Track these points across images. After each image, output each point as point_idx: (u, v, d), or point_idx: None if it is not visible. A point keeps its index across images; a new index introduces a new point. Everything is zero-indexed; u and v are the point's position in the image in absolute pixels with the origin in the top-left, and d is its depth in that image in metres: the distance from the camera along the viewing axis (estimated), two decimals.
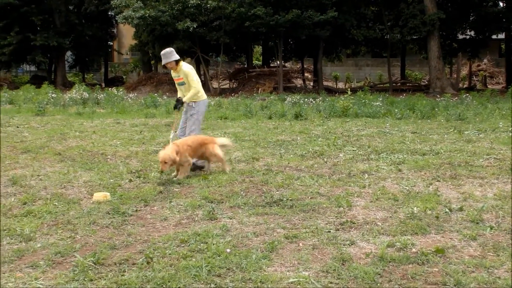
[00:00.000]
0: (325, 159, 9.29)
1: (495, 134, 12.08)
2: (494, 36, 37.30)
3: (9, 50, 36.10)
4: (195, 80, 8.65)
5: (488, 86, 37.81)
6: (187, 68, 8.67)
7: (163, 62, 8.77)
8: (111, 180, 7.66)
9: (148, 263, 4.50)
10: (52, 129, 13.39)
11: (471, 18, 34.86)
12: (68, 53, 44.29)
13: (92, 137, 12.03)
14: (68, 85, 36.32)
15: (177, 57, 8.62)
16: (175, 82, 8.93)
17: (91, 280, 4.20)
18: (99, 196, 6.63)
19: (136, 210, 6.18)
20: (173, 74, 8.80)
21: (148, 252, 4.70)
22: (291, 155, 9.66)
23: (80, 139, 11.72)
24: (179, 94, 8.92)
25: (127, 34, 46.87)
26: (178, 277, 4.20)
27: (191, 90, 8.59)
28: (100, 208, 6.18)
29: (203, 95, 8.86)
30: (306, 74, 41.05)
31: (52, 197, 6.68)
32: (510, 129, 12.65)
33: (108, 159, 9.42)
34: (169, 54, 8.57)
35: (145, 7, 29.16)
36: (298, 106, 18.84)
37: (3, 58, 36.76)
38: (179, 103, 8.67)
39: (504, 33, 37.66)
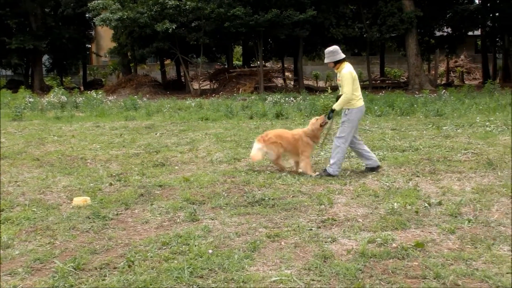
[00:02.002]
0: None
1: (473, 129, 12.20)
2: (470, 33, 37.73)
3: None
4: (349, 86, 7.81)
5: (465, 82, 38.20)
6: (346, 71, 7.92)
7: (325, 61, 8.24)
8: (91, 184, 7.61)
9: (129, 266, 4.48)
10: (30, 134, 13.25)
11: (447, 15, 35.19)
12: (46, 57, 43.86)
13: (71, 142, 11.94)
14: (45, 89, 35.99)
15: (339, 57, 7.97)
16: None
17: (72, 285, 4.16)
18: (79, 200, 6.58)
19: (117, 214, 6.14)
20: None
21: (129, 256, 4.68)
22: None
23: (59, 144, 11.61)
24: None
25: (105, 36, 46.50)
26: (160, 280, 4.18)
27: (342, 96, 7.87)
28: (80, 213, 6.13)
29: (358, 101, 7.98)
30: (286, 74, 41.13)
31: (31, 203, 6.61)
32: (486, 123, 12.80)
33: (88, 163, 9.35)
34: (331, 53, 7.99)
35: (123, 8, 28.98)
36: (279, 105, 18.86)
37: None
38: (331, 112, 8.07)
39: (479, 30, 38.09)
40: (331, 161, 7.91)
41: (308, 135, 8.19)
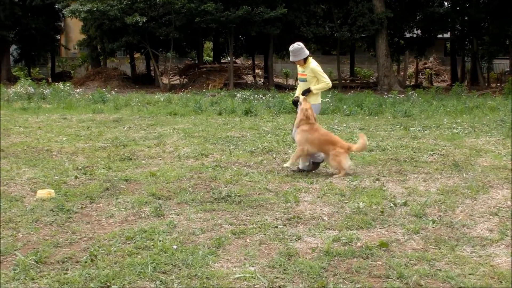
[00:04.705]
0: (274, 155, 9.35)
1: (440, 130, 12.37)
2: (440, 36, 38.28)
3: None
4: (325, 75, 8.22)
5: (434, 84, 38.73)
6: (314, 65, 8.22)
7: (291, 59, 8.37)
8: (56, 177, 7.50)
9: (92, 260, 4.42)
10: None
11: (418, 18, 35.68)
12: (13, 47, 43.07)
13: (37, 133, 11.75)
14: (13, 80, 35.30)
15: (306, 54, 8.17)
16: (298, 76, 8.55)
17: (33, 279, 4.09)
18: (43, 193, 6.48)
19: (81, 207, 6.06)
20: (299, 68, 8.40)
21: (92, 250, 4.62)
22: (241, 151, 9.67)
23: (25, 135, 11.42)
24: (298, 91, 8.57)
25: (75, 28, 45.84)
26: (123, 275, 4.14)
27: (322, 83, 8.18)
28: (43, 206, 6.03)
29: (318, 98, 8.48)
30: (256, 71, 41.09)
31: None
32: (453, 125, 12.99)
33: (54, 156, 9.21)
34: (298, 52, 8.13)
35: (93, 0, 28.61)
36: (248, 102, 18.85)
37: None
38: (307, 92, 8.27)
39: (449, 33, 38.67)
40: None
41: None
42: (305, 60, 8.23)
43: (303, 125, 7.95)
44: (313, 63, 8.25)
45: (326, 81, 8.22)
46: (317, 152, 8.02)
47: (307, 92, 8.29)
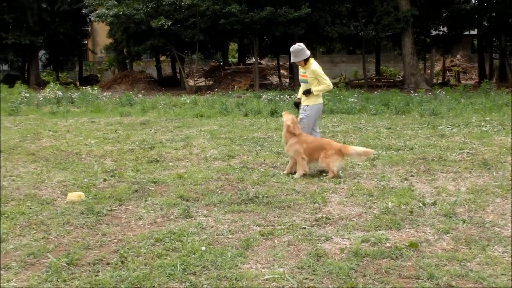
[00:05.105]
0: None
1: (468, 128, 12.22)
2: (466, 32, 37.76)
3: None
4: (326, 77, 8.29)
5: (461, 82, 38.28)
6: (315, 66, 8.28)
7: (292, 60, 8.46)
8: (86, 180, 7.59)
9: (122, 262, 4.47)
10: (26, 129, 13.21)
11: (444, 15, 35.23)
12: (42, 52, 43.72)
13: (66, 137, 11.90)
14: (41, 84, 35.83)
15: (307, 55, 8.22)
16: (299, 77, 8.63)
17: (65, 281, 4.16)
18: (73, 196, 6.57)
19: (111, 210, 6.13)
20: (300, 69, 8.50)
21: (122, 252, 4.67)
22: (267, 152, 9.67)
23: (54, 139, 11.58)
24: (300, 92, 8.62)
25: (101, 33, 46.41)
26: (153, 276, 4.18)
27: (323, 85, 8.25)
28: (74, 208, 6.12)
29: (319, 98, 8.50)
30: (281, 71, 41.09)
31: (25, 198, 6.59)
32: (482, 123, 12.83)
33: (83, 159, 9.33)
34: (299, 53, 8.18)
35: (119, 5, 28.88)
36: (274, 103, 18.86)
37: None
38: (308, 93, 8.35)
39: (476, 29, 38.14)
40: None
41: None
42: (306, 61, 8.28)
43: (291, 139, 7.90)
44: (314, 64, 8.29)
45: (327, 83, 8.27)
46: (310, 164, 7.95)
47: (308, 92, 8.33)
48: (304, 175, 7.73)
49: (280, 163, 8.70)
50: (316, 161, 7.86)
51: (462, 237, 5.00)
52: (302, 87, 8.54)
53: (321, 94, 8.50)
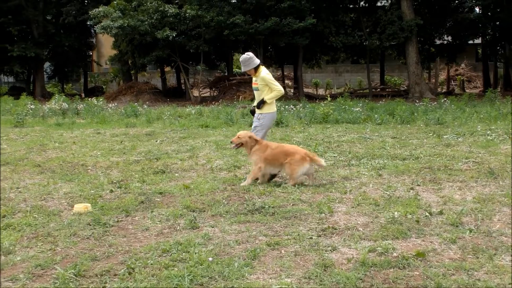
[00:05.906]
0: None
1: (474, 137, 12.21)
2: (470, 41, 37.84)
3: None
4: (276, 83, 8.42)
5: (466, 90, 38.26)
6: (265, 73, 8.41)
7: (242, 70, 8.59)
8: (92, 191, 7.61)
9: (129, 273, 4.47)
10: (31, 141, 13.27)
11: (448, 24, 35.33)
12: (47, 64, 43.97)
13: (72, 148, 11.95)
14: (47, 96, 36.07)
15: (256, 63, 8.36)
16: (252, 85, 8.79)
17: None
18: (79, 207, 6.58)
19: (118, 221, 6.14)
20: (253, 78, 8.64)
21: (129, 263, 4.68)
22: None
23: (60, 150, 11.63)
24: (256, 100, 8.72)
25: (106, 44, 46.69)
26: (160, 287, 4.18)
27: (274, 92, 8.36)
28: (80, 220, 6.13)
29: (272, 107, 8.59)
30: (286, 81, 41.24)
31: (32, 209, 6.61)
32: (488, 132, 12.81)
33: (89, 170, 9.36)
34: (248, 62, 8.33)
35: (123, 16, 29.08)
36: (279, 113, 18.85)
37: None
38: (261, 103, 8.43)
39: (480, 38, 38.19)
40: None
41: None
42: (256, 69, 8.39)
43: (254, 147, 7.97)
44: (263, 71, 8.42)
45: (278, 89, 8.40)
46: (276, 169, 7.98)
47: (261, 103, 8.43)
48: (256, 180, 7.89)
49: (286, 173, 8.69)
50: (280, 166, 7.89)
51: (469, 246, 4.99)
52: (256, 95, 8.67)
53: (274, 102, 8.61)
